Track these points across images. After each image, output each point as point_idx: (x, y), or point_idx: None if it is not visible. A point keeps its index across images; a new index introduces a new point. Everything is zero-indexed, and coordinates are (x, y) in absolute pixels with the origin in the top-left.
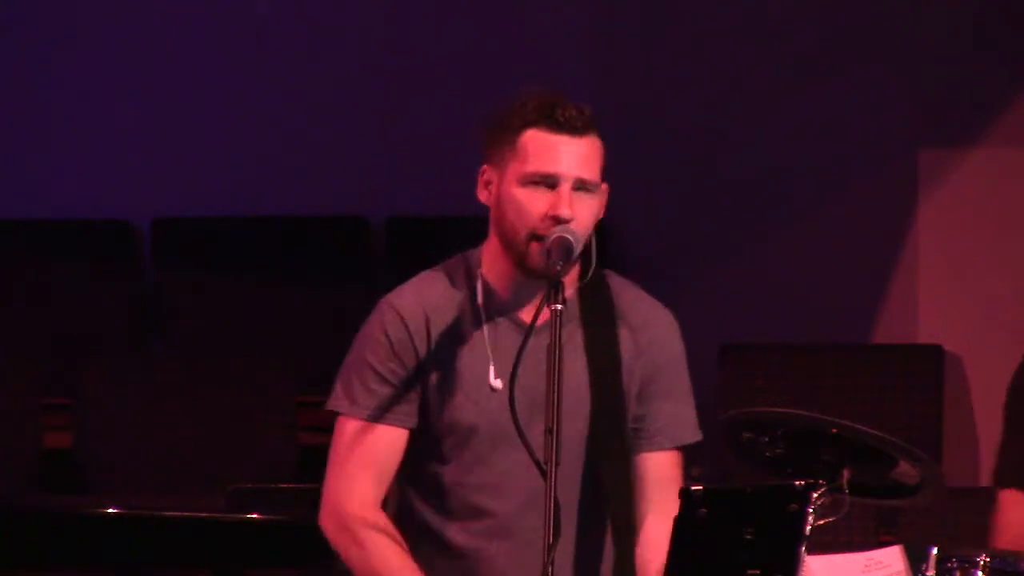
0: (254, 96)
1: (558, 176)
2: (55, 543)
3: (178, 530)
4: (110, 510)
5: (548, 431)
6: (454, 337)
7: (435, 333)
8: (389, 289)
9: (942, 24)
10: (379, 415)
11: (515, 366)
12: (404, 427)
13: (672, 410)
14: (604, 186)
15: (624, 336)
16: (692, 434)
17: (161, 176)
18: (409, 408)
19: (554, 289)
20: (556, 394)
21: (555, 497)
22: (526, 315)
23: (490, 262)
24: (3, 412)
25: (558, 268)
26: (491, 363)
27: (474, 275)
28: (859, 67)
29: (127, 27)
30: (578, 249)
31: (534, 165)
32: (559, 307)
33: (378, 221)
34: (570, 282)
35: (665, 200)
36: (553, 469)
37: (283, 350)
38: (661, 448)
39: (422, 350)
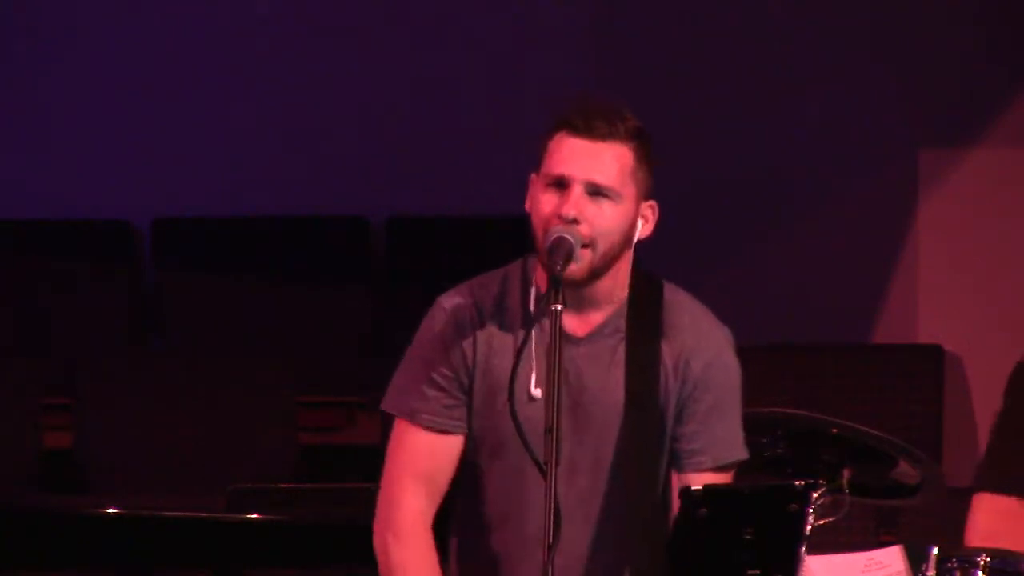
0: (254, 96)
1: (569, 178)
2: (55, 543)
3: (178, 530)
4: (110, 510)
5: (548, 431)
6: (505, 343)
7: (485, 338)
8: (389, 289)
9: (942, 24)
10: (433, 421)
11: (514, 368)
12: (458, 432)
13: (712, 430)
14: (650, 203)
15: (665, 352)
16: (734, 453)
17: (161, 176)
18: (461, 412)
19: (554, 289)
20: (556, 395)
21: (555, 499)
22: (573, 324)
23: (539, 269)
24: (3, 412)
25: (557, 268)
26: (533, 372)
27: (529, 280)
28: (859, 67)
29: (127, 27)
30: (585, 254)
31: (550, 167)
32: (558, 308)
33: (378, 221)
34: (614, 295)
35: (665, 200)
36: (553, 469)
37: (283, 350)
38: (700, 468)
39: (472, 354)
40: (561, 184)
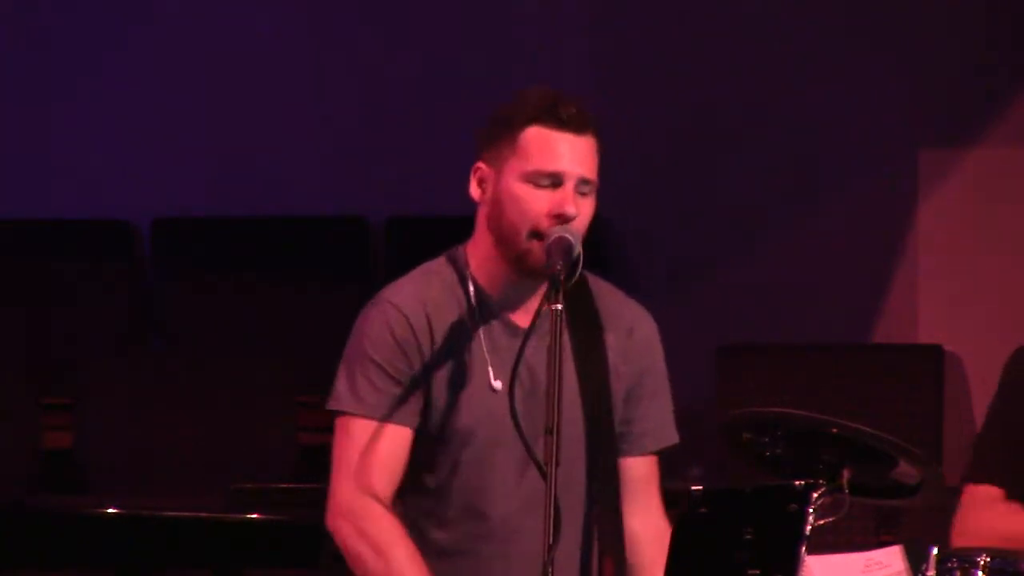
0: (254, 96)
1: (562, 174)
2: (55, 543)
3: (178, 530)
4: (110, 510)
5: (548, 431)
6: (453, 338)
7: (436, 333)
8: None
9: (942, 24)
10: (388, 414)
11: (515, 368)
12: (410, 427)
13: (657, 413)
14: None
15: (611, 340)
16: (671, 436)
17: (161, 176)
18: (415, 408)
19: (555, 289)
20: (557, 394)
21: (555, 498)
22: (518, 316)
23: (480, 262)
24: (3, 412)
25: (558, 267)
26: (489, 365)
27: (464, 275)
28: (859, 67)
29: (127, 27)
30: (578, 248)
31: (537, 163)
32: (559, 307)
33: (378, 221)
34: None
35: (665, 200)
36: (553, 469)
37: (283, 350)
38: (644, 451)
39: (426, 350)
40: (553, 180)
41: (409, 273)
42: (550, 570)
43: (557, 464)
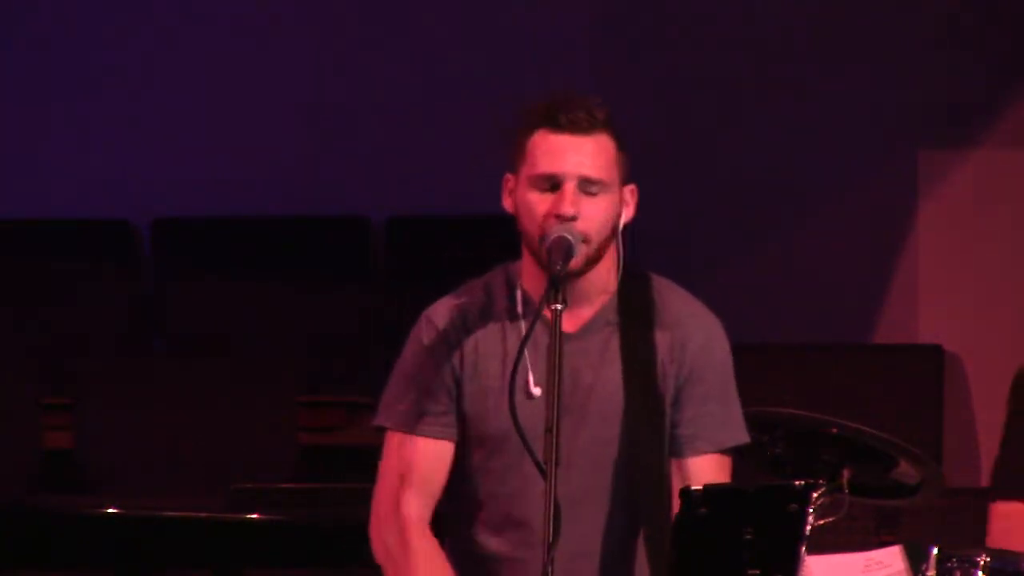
0: (255, 96)
1: (561, 175)
2: (55, 543)
3: (178, 530)
4: (110, 510)
5: (548, 431)
6: (492, 345)
7: (472, 342)
8: (389, 289)
9: (942, 25)
10: (421, 427)
11: (515, 367)
12: (448, 439)
13: (710, 414)
14: (630, 187)
15: (660, 340)
16: (735, 436)
17: (161, 176)
18: (452, 419)
19: (554, 289)
20: (557, 394)
21: (555, 498)
22: (563, 319)
23: (525, 270)
24: (3, 412)
25: (557, 267)
26: (530, 371)
27: (513, 284)
28: (859, 67)
29: (128, 26)
30: (582, 249)
31: (538, 167)
32: (559, 307)
33: (378, 221)
34: (602, 287)
35: (665, 201)
36: (553, 469)
37: (283, 350)
38: (700, 452)
39: (459, 360)
40: (553, 183)
41: (460, 286)
42: (550, 570)
43: (557, 464)
